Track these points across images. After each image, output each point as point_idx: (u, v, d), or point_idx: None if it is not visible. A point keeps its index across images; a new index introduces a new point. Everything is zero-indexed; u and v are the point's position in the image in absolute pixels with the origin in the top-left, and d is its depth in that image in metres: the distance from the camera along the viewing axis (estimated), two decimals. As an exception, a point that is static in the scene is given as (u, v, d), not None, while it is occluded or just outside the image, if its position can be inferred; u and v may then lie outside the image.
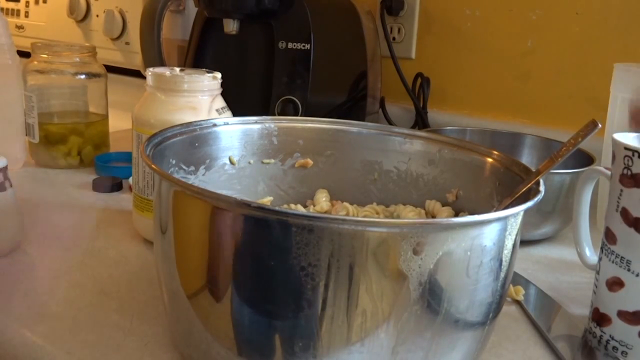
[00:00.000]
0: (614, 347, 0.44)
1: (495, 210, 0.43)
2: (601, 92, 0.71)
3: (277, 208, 0.31)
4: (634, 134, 0.46)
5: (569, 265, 0.60)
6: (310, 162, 0.53)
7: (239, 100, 0.75)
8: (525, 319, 0.49)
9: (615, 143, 0.43)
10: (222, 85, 0.59)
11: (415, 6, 0.98)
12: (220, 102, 0.59)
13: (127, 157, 0.80)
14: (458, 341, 0.35)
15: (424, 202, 0.51)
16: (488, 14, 0.92)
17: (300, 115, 0.80)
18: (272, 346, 0.33)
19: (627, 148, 0.42)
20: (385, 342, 0.33)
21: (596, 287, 0.46)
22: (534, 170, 0.42)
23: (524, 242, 0.64)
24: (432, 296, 0.33)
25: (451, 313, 0.34)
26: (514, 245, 0.37)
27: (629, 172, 0.42)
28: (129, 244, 0.58)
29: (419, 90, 0.95)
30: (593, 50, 0.84)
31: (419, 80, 0.95)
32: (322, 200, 0.53)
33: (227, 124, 0.50)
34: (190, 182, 0.44)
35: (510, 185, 0.42)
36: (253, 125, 0.52)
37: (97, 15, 1.19)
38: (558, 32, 0.86)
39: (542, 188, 0.38)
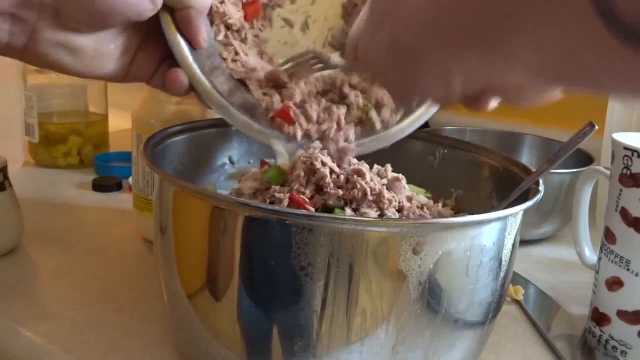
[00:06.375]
0: (613, 347, 0.44)
1: (495, 210, 0.43)
2: (601, 92, 0.71)
3: (277, 208, 0.31)
4: (634, 134, 0.46)
5: (569, 265, 0.60)
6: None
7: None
8: (525, 319, 0.49)
9: (615, 143, 0.43)
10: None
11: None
12: (220, 102, 0.58)
13: (127, 157, 0.80)
14: (458, 341, 0.35)
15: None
16: (488, 14, 0.92)
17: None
18: (272, 346, 0.33)
19: (626, 148, 0.42)
20: (385, 341, 0.33)
21: (596, 287, 0.46)
22: (534, 170, 0.42)
23: (524, 242, 0.64)
24: (432, 296, 0.33)
25: (451, 313, 0.34)
26: (513, 245, 0.37)
27: (629, 172, 0.42)
28: (129, 244, 0.58)
29: (419, 90, 0.95)
30: (593, 50, 0.84)
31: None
32: None
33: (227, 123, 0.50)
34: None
35: (510, 185, 0.42)
36: (253, 125, 0.52)
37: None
38: (558, 32, 0.86)
39: (541, 188, 0.38)
